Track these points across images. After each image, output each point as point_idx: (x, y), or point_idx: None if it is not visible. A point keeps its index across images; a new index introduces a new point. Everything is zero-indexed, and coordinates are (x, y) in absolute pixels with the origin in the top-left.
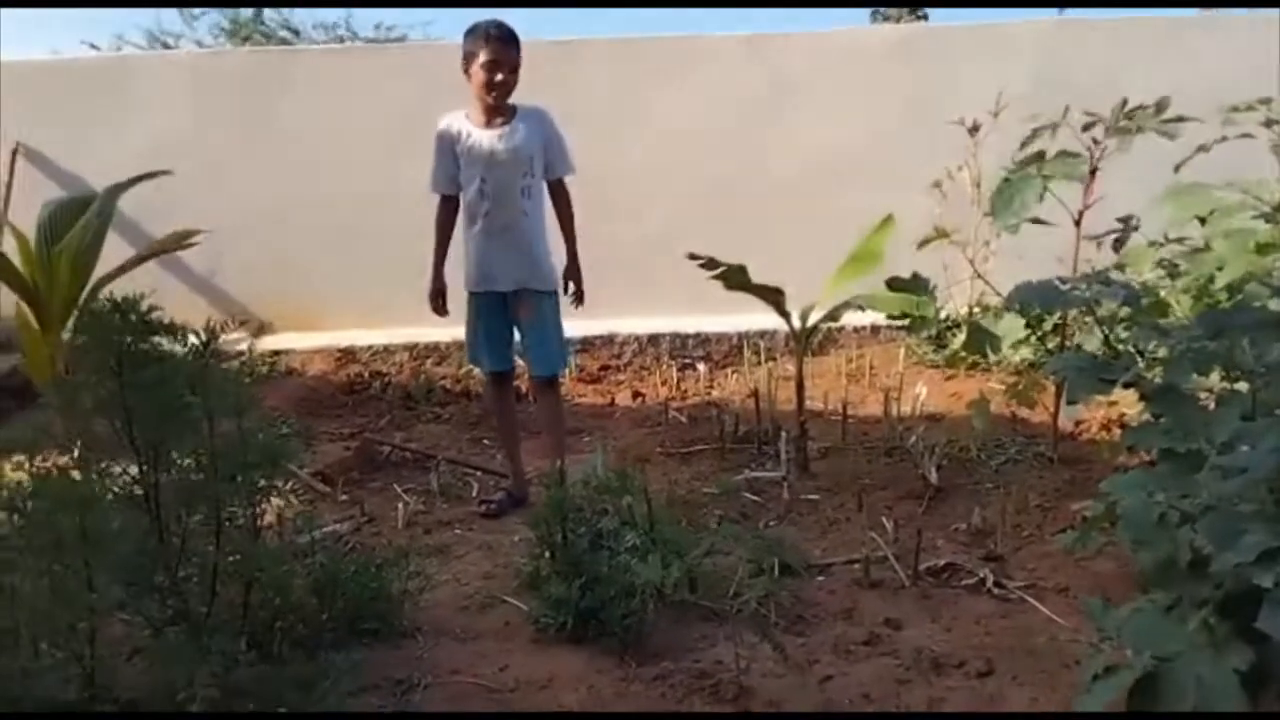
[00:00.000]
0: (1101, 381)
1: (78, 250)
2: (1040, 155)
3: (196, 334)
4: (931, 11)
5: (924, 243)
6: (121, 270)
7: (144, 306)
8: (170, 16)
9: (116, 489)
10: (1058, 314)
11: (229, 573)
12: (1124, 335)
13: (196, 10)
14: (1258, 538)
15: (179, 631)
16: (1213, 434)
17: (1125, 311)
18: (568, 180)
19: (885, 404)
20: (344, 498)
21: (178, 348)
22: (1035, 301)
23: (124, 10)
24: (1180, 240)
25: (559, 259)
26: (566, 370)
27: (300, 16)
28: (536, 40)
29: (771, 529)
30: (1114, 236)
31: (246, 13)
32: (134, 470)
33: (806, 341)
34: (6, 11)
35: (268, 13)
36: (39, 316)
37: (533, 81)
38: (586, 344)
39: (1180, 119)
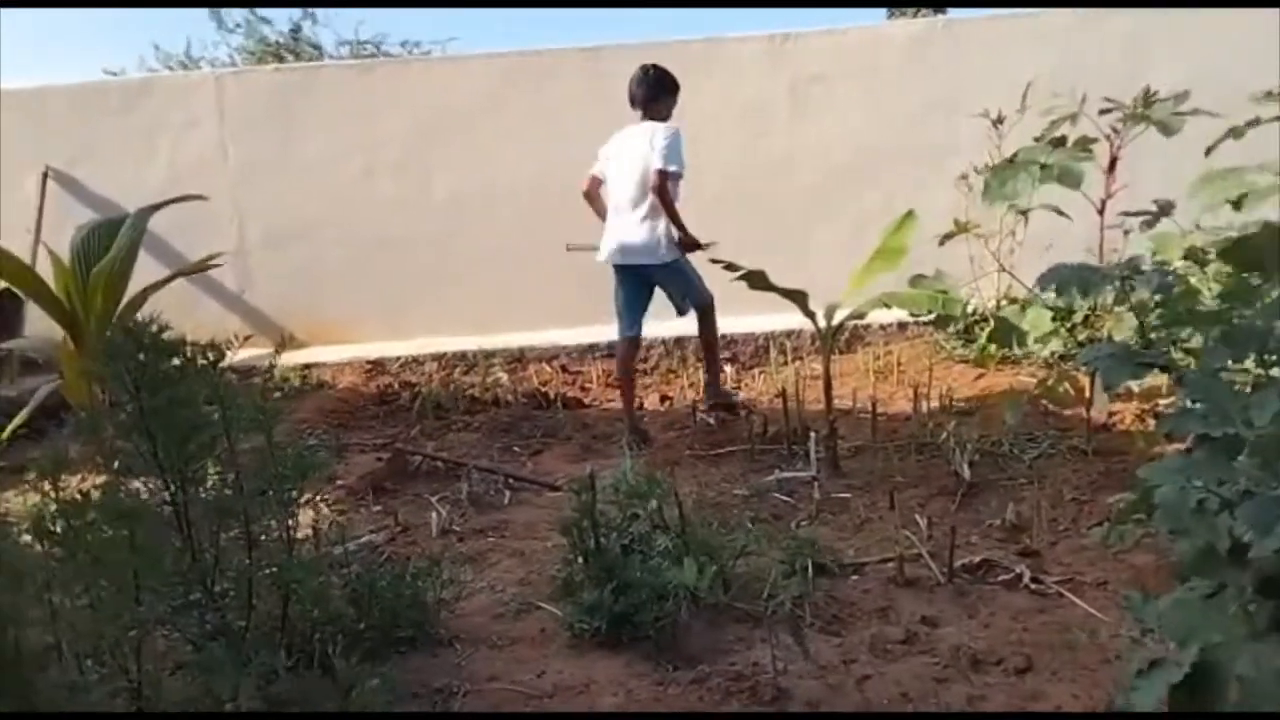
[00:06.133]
0: (1136, 368)
1: (111, 273)
2: (1062, 140)
3: (203, 352)
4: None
5: (945, 237)
6: (147, 292)
7: (155, 328)
8: (199, 29)
9: (142, 506)
10: (1086, 306)
11: (266, 586)
12: (1156, 323)
13: (231, 22)
14: None
15: (219, 645)
16: (1251, 417)
17: (1157, 299)
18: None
19: (914, 400)
20: (378, 508)
21: (200, 364)
22: (1070, 284)
23: (150, 24)
24: (1212, 228)
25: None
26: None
27: (326, 35)
28: (563, 48)
29: (804, 529)
30: (1144, 219)
31: (276, 31)
32: (162, 489)
33: (833, 340)
34: (26, 39)
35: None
36: (75, 338)
37: (561, 87)
38: (612, 348)
39: (1195, 111)
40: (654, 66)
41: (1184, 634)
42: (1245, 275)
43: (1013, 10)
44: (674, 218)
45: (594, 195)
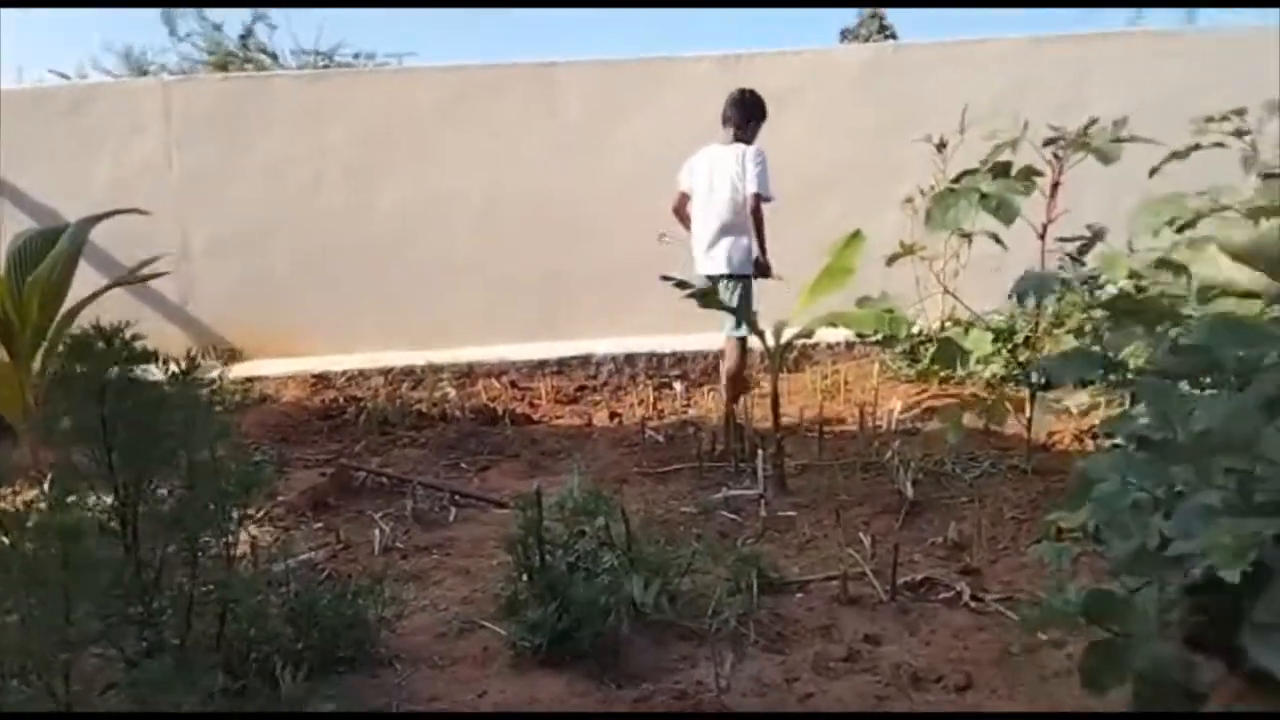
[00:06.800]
0: (1085, 367)
1: (48, 282)
2: (1006, 167)
3: (177, 362)
4: (903, 28)
5: (892, 259)
6: (87, 301)
7: (129, 335)
8: (153, 33)
9: (91, 519)
10: (1027, 328)
11: (203, 603)
12: (1107, 327)
13: (183, 30)
14: (1225, 529)
15: (154, 664)
16: (1192, 422)
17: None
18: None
19: (860, 419)
20: (319, 525)
21: (159, 375)
22: (1035, 290)
23: (101, 28)
24: (1146, 249)
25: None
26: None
27: (284, 40)
28: (516, 63)
29: (750, 546)
30: (1079, 244)
31: (227, 38)
32: (110, 501)
33: (782, 358)
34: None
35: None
36: (9, 348)
37: (514, 102)
38: (563, 365)
39: (1133, 138)
40: (750, 91)
41: (1096, 618)
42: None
43: (962, 37)
44: (761, 239)
45: (682, 210)
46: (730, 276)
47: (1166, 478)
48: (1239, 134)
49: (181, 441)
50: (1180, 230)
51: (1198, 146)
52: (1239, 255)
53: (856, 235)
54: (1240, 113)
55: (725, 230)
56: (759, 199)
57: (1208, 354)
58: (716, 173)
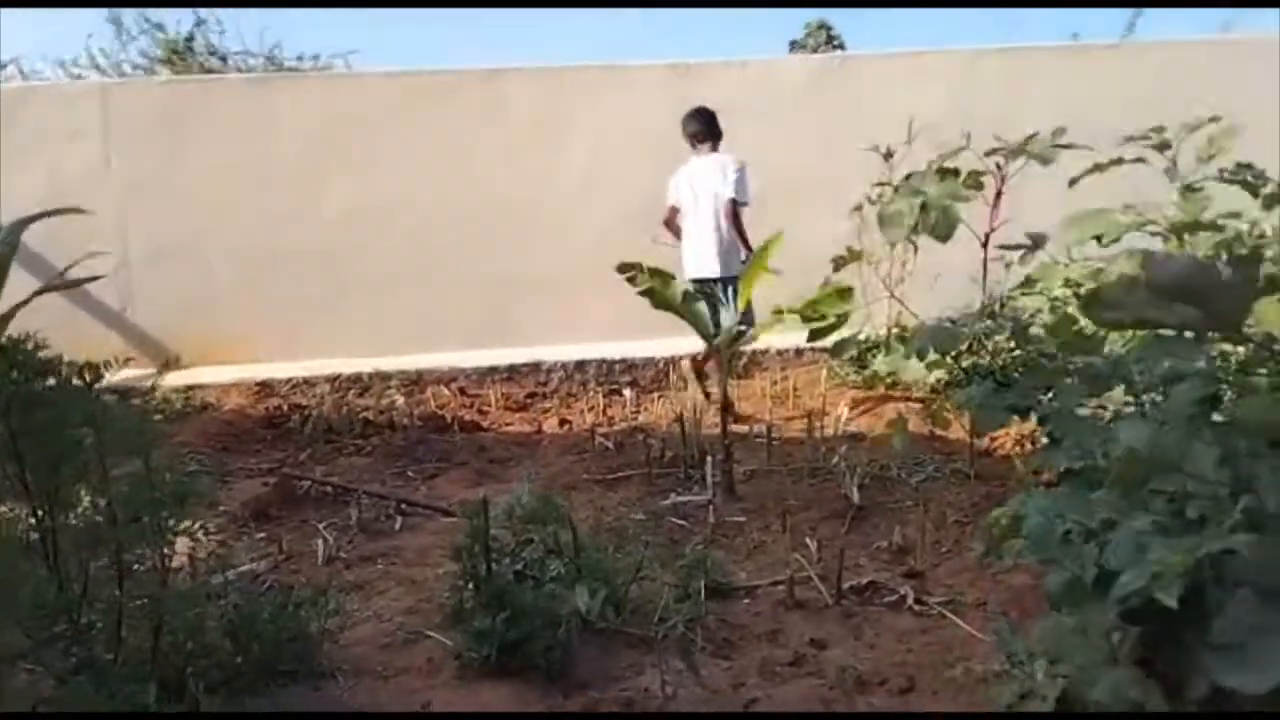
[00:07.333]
0: (1006, 411)
1: None
2: (954, 172)
3: (80, 373)
4: (850, 39)
5: (838, 265)
6: (18, 307)
7: (30, 345)
8: (97, 35)
9: (9, 536)
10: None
11: (137, 617)
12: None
13: (135, 29)
14: (1158, 554)
15: (85, 680)
16: (1107, 449)
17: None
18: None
19: (808, 425)
20: (261, 535)
21: (76, 385)
22: (931, 345)
23: (45, 28)
24: (1082, 259)
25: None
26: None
27: (228, 44)
28: (463, 68)
29: (698, 552)
30: (1021, 253)
31: (172, 40)
32: (29, 516)
33: (730, 364)
34: None
35: (198, 39)
36: None
37: (461, 107)
38: (512, 371)
39: (1070, 146)
40: (706, 107)
41: (1051, 658)
42: (1082, 329)
43: (908, 49)
44: (744, 240)
45: (672, 222)
46: (721, 279)
47: (1094, 509)
48: (1160, 148)
49: (96, 454)
50: (1106, 245)
51: (1119, 161)
52: (1169, 292)
53: (777, 237)
54: (1159, 130)
55: (714, 237)
56: (735, 204)
57: (1111, 374)
58: (700, 185)
